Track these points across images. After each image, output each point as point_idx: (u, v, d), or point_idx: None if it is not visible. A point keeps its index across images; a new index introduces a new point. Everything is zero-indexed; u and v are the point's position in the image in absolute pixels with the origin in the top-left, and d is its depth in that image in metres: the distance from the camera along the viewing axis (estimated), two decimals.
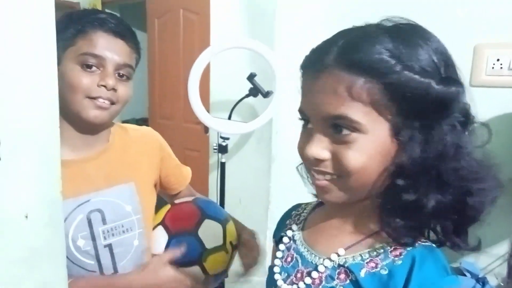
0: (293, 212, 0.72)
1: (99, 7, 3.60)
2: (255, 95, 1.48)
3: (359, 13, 1.52)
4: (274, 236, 0.73)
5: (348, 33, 0.52)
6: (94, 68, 0.81)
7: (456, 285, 0.49)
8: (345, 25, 0.54)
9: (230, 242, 0.92)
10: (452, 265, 1.46)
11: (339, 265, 0.55)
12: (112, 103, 0.84)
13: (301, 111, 0.55)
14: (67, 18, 0.84)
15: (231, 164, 1.72)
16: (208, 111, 1.73)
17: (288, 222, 0.70)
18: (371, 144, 0.49)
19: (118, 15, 3.64)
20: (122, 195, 0.90)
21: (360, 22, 0.53)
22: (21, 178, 0.51)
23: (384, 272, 0.51)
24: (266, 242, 1.17)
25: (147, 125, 2.93)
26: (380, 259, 0.52)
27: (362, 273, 0.52)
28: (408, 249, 0.51)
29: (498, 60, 1.32)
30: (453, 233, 0.51)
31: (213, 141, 1.67)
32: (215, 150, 1.56)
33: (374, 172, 0.50)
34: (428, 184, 0.48)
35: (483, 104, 1.45)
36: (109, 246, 0.87)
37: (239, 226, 1.01)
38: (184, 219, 0.92)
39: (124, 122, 3.92)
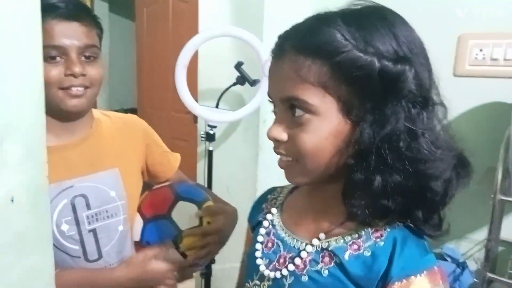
0: (269, 196, 0.71)
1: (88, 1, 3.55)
2: (242, 84, 1.48)
3: (346, 2, 1.53)
4: (249, 221, 0.73)
5: (308, 19, 0.53)
6: (58, 58, 0.79)
7: (436, 263, 0.50)
8: None
9: (208, 223, 0.90)
10: (434, 251, 1.50)
11: (323, 249, 0.55)
12: (86, 87, 0.83)
13: (268, 94, 0.57)
14: None
15: (219, 153, 1.73)
16: (196, 99, 1.74)
17: (264, 206, 0.69)
18: (324, 125, 0.50)
19: (107, 4, 3.61)
20: (106, 180, 0.90)
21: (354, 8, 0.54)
22: (7, 162, 0.51)
23: (368, 253, 0.51)
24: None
25: (136, 115, 2.92)
26: (362, 241, 0.52)
27: (346, 256, 0.52)
28: (389, 230, 0.52)
29: (481, 50, 1.35)
30: (422, 218, 0.51)
31: (201, 129, 1.68)
32: (203, 138, 1.57)
33: (329, 153, 0.51)
34: (376, 164, 0.48)
35: (466, 94, 1.49)
36: (94, 231, 0.88)
37: (219, 204, 0.99)
38: (158, 203, 0.91)
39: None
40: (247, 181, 1.71)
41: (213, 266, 1.61)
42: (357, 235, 0.53)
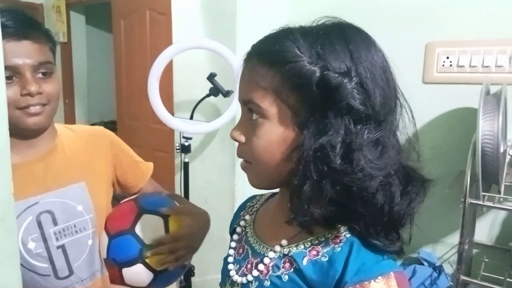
0: (248, 204, 0.73)
1: (63, 8, 3.53)
2: (215, 95, 1.49)
3: (316, 16, 1.55)
4: (230, 227, 0.74)
5: (274, 32, 0.55)
6: (13, 78, 0.78)
7: (392, 268, 0.50)
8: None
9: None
10: (410, 255, 1.51)
11: (284, 255, 0.56)
12: (44, 104, 0.81)
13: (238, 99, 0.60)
14: None
15: (196, 164, 1.73)
16: (172, 111, 1.74)
17: (242, 213, 0.71)
18: (273, 130, 0.53)
19: (84, 16, 3.58)
20: (72, 195, 0.88)
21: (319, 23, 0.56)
22: None
23: (325, 259, 0.52)
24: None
25: (116, 127, 2.90)
26: (321, 246, 0.53)
27: (304, 261, 0.54)
28: (348, 235, 0.52)
29: (447, 57, 1.38)
30: (370, 231, 0.51)
31: (177, 141, 1.68)
32: (178, 150, 1.56)
33: (277, 158, 0.53)
34: (308, 172, 0.49)
35: (435, 100, 1.52)
36: (62, 247, 0.86)
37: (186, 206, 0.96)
38: (121, 218, 0.88)
39: (93, 125, 3.84)
40: (225, 190, 1.70)
41: (193, 279, 1.60)
42: (317, 240, 0.54)
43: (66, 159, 0.90)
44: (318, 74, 0.49)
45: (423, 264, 1.43)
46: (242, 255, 0.63)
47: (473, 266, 1.41)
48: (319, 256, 0.53)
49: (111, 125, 3.47)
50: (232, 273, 0.63)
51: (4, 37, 0.76)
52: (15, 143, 0.83)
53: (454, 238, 1.45)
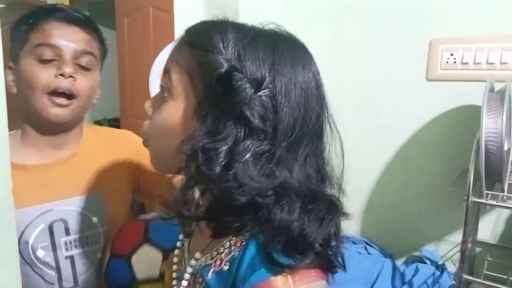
0: None
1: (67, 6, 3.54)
2: None
3: (319, 14, 1.55)
4: None
5: (215, 19, 0.55)
6: (52, 62, 0.76)
7: (261, 279, 0.46)
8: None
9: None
10: (413, 254, 1.51)
11: (197, 269, 0.54)
12: (72, 96, 0.78)
13: None
14: (21, 17, 0.81)
15: None
16: None
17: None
18: (174, 112, 0.51)
19: (87, 13, 3.60)
20: (88, 205, 0.84)
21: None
22: None
23: (226, 267, 0.50)
24: None
25: (119, 125, 2.90)
26: (225, 254, 0.51)
27: (210, 274, 0.51)
28: (247, 239, 0.49)
29: (451, 54, 1.37)
30: (267, 242, 0.47)
31: None
32: None
33: (171, 143, 0.51)
34: (189, 169, 0.48)
35: (439, 97, 1.51)
36: (71, 258, 0.83)
37: None
38: (124, 240, 0.84)
39: (96, 122, 3.86)
40: None
41: None
42: (222, 249, 0.51)
43: (86, 167, 0.86)
44: (223, 69, 0.47)
45: (425, 263, 1.43)
46: (181, 271, 0.61)
47: (476, 265, 1.40)
48: (222, 266, 0.50)
49: (114, 123, 3.49)
50: None
51: (56, 19, 0.77)
52: (38, 139, 0.82)
53: (457, 237, 1.44)
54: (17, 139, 0.84)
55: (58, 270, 0.82)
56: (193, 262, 0.55)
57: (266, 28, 0.54)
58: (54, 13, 0.78)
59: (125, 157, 0.93)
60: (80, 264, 0.84)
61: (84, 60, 0.80)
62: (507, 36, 1.29)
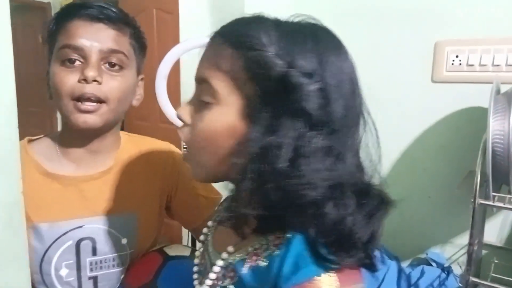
0: (218, 207, 0.70)
1: None
2: None
3: (324, 13, 1.55)
4: None
5: (247, 16, 0.53)
6: (77, 63, 0.70)
7: (307, 278, 0.45)
8: None
9: None
10: (419, 256, 1.50)
11: (229, 263, 0.54)
12: (99, 101, 0.72)
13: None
14: (50, 19, 0.76)
15: None
16: None
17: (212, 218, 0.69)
18: (221, 118, 0.49)
19: None
20: (120, 225, 0.80)
21: (325, 20, 0.55)
22: None
23: (264, 264, 0.49)
24: None
25: (123, 127, 2.91)
26: (262, 251, 0.51)
27: (245, 269, 0.51)
28: (288, 237, 0.49)
29: (457, 56, 1.37)
30: (316, 238, 0.47)
31: None
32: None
33: (220, 148, 0.50)
34: (252, 170, 0.47)
35: (445, 99, 1.51)
36: (94, 279, 0.79)
37: None
38: (136, 273, 0.81)
39: None
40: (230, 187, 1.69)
41: None
42: (258, 245, 0.51)
43: (122, 184, 0.82)
44: (281, 69, 0.46)
45: (431, 265, 1.42)
46: (204, 265, 0.61)
47: (482, 267, 1.39)
48: (259, 262, 0.50)
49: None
50: (195, 282, 0.61)
51: (80, 17, 0.70)
52: (75, 151, 0.77)
53: (463, 239, 1.43)
54: (55, 147, 0.80)
55: None
56: (224, 255, 0.54)
57: (298, 20, 0.53)
58: (79, 10, 0.71)
59: (163, 174, 0.86)
60: (102, 285, 0.80)
61: (112, 60, 0.72)
62: None
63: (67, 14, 0.72)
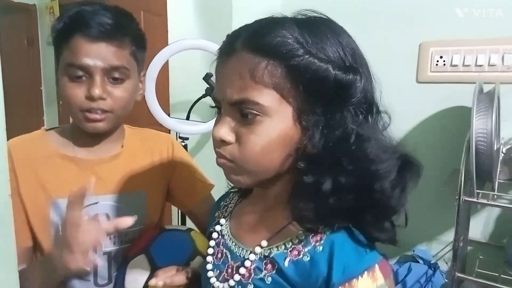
0: (222, 203, 0.71)
1: (56, 9, 3.52)
2: (211, 95, 1.49)
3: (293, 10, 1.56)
4: (206, 231, 0.72)
5: (260, 20, 0.53)
6: (83, 78, 0.75)
7: (375, 260, 0.50)
8: None
9: None
10: (405, 253, 1.53)
11: (265, 256, 0.55)
12: (107, 111, 0.78)
13: (213, 98, 0.56)
14: (52, 27, 0.79)
15: None
16: (168, 112, 1.74)
17: (217, 214, 0.69)
18: (274, 128, 0.50)
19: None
20: (131, 202, 0.86)
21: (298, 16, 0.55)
22: None
23: (307, 259, 0.51)
24: None
25: None
26: (302, 245, 0.52)
27: (286, 262, 0.52)
28: (328, 233, 0.51)
29: (441, 57, 1.40)
30: (370, 221, 0.51)
31: None
32: (181, 139, 1.56)
33: (276, 156, 0.51)
34: (327, 167, 0.48)
35: (429, 99, 1.54)
36: (108, 254, 0.84)
37: None
38: (135, 243, 0.84)
39: None
40: (221, 191, 1.70)
41: None
42: (297, 240, 0.53)
43: (130, 166, 0.88)
44: (332, 71, 0.48)
45: (418, 262, 1.44)
46: (221, 259, 0.61)
47: (468, 263, 1.42)
48: (300, 256, 0.51)
49: None
50: (213, 280, 0.60)
51: (82, 36, 0.74)
52: (85, 138, 0.83)
53: (449, 236, 1.46)
54: (68, 136, 0.87)
55: (94, 265, 0.80)
56: (258, 249, 0.55)
57: (306, 16, 0.53)
58: (80, 27, 0.74)
59: (163, 159, 0.94)
60: (115, 261, 0.85)
61: (115, 75, 0.78)
62: (495, 39, 1.32)
63: (71, 29, 0.75)
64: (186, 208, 0.99)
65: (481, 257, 1.36)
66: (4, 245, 0.58)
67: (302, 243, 0.52)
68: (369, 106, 0.51)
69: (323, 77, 0.48)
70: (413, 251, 1.48)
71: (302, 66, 0.48)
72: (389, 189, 0.49)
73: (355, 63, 0.50)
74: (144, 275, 0.75)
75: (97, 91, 0.75)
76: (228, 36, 0.54)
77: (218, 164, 0.55)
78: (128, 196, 0.86)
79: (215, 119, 0.56)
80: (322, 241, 0.51)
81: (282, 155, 0.51)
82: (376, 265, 0.49)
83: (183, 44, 1.39)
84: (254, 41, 0.49)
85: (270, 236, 0.56)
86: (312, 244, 0.52)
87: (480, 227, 1.44)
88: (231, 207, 0.68)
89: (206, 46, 1.40)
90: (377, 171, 0.48)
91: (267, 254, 0.55)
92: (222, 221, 0.65)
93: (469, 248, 1.45)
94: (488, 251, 1.40)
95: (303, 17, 0.52)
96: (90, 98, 0.75)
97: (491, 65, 1.34)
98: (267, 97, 0.49)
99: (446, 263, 1.46)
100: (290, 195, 0.53)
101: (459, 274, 1.23)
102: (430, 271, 1.42)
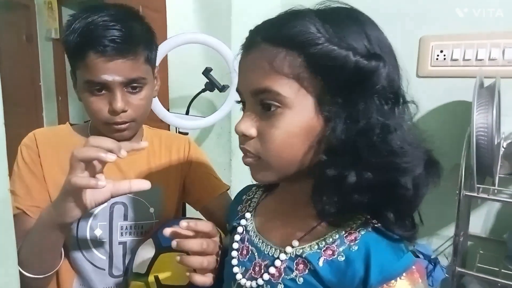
0: (244, 197, 0.70)
1: (55, 5, 3.50)
2: (211, 90, 1.49)
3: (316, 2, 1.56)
4: (226, 221, 0.71)
5: (280, 14, 0.52)
6: (103, 91, 0.78)
7: (413, 261, 0.49)
8: None
9: (156, 278, 0.76)
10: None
11: (297, 256, 0.53)
12: (129, 122, 0.82)
13: (237, 90, 0.55)
14: (64, 40, 0.80)
15: None
16: (168, 107, 1.73)
17: (239, 208, 0.68)
18: (296, 120, 0.49)
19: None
20: (148, 195, 0.87)
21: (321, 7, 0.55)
22: None
23: (342, 258, 0.50)
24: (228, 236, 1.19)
25: None
26: (336, 245, 0.51)
27: (320, 262, 0.51)
28: (363, 233, 0.50)
29: (441, 51, 1.39)
30: (392, 218, 0.49)
31: None
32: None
33: (298, 149, 0.50)
34: (350, 160, 0.47)
35: (429, 94, 1.53)
36: (124, 244, 0.86)
37: None
38: (152, 230, 0.87)
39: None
40: None
41: None
42: (331, 239, 0.52)
43: (148, 161, 0.92)
44: (352, 58, 0.46)
45: (418, 257, 1.44)
46: (247, 256, 0.60)
47: (468, 258, 1.42)
48: (335, 256, 0.50)
49: None
50: (239, 276, 0.59)
51: (96, 52, 0.75)
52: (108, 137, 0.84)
53: (449, 231, 1.46)
54: (88, 133, 0.90)
55: (110, 254, 0.84)
56: (289, 249, 0.54)
57: (329, 6, 0.52)
58: (93, 44, 0.75)
59: (180, 157, 0.97)
60: (130, 252, 0.86)
61: (133, 84, 0.81)
62: (496, 33, 1.32)
63: (85, 46, 0.76)
64: (202, 203, 0.99)
65: (481, 252, 1.36)
66: (4, 242, 0.58)
67: (336, 243, 0.51)
68: (396, 96, 0.49)
69: (343, 64, 0.46)
70: (413, 246, 1.48)
71: (322, 54, 0.47)
72: (414, 185, 0.48)
73: (380, 52, 0.48)
74: (150, 254, 0.77)
75: (119, 105, 0.78)
76: (250, 31, 0.54)
77: (245, 163, 0.55)
78: (146, 190, 0.86)
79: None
80: (357, 241, 0.50)
81: (304, 148, 0.50)
82: (414, 267, 0.49)
83: (182, 38, 1.38)
84: (273, 32, 0.50)
85: (301, 235, 0.54)
86: (347, 243, 0.50)
87: (480, 221, 1.44)
88: (255, 202, 0.66)
89: (205, 40, 1.39)
90: (402, 165, 0.46)
91: (299, 254, 0.53)
92: (248, 215, 0.64)
93: (469, 243, 1.45)
94: (488, 246, 1.40)
95: (325, 7, 0.52)
96: (113, 112, 0.79)
97: (491, 59, 1.34)
98: (287, 87, 0.48)
99: (447, 258, 1.46)
100: (313, 189, 0.52)
101: (459, 269, 1.23)
102: (431, 266, 1.42)
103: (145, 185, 0.70)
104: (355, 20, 0.50)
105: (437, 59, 1.40)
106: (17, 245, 0.59)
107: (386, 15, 1.46)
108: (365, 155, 0.46)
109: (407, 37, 1.44)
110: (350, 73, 0.47)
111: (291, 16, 0.50)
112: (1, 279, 0.57)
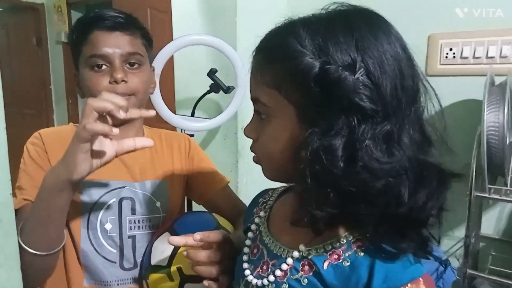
0: (260, 200, 0.71)
1: (64, 8, 3.54)
2: (216, 91, 1.48)
3: (317, 7, 1.54)
4: (243, 223, 0.73)
5: (276, 26, 0.54)
6: (104, 67, 0.83)
7: (420, 273, 0.48)
8: None
9: (179, 269, 0.78)
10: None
11: (303, 257, 0.54)
12: (129, 95, 0.85)
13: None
14: (71, 30, 0.89)
15: None
16: (174, 109, 1.73)
17: (255, 210, 0.69)
18: (280, 128, 0.52)
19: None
20: (154, 190, 0.92)
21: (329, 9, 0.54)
22: None
23: (347, 264, 0.50)
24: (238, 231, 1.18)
25: None
26: (342, 250, 0.51)
27: (325, 266, 0.51)
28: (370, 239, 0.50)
29: (451, 49, 1.37)
30: (375, 234, 0.48)
31: None
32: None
33: (284, 156, 0.52)
34: (310, 174, 0.47)
35: (439, 93, 1.50)
36: (133, 238, 0.88)
37: None
38: (163, 225, 0.90)
39: None
40: None
41: None
42: (338, 243, 0.52)
43: (152, 157, 0.96)
44: (317, 68, 0.46)
45: (428, 259, 1.42)
46: (257, 255, 0.61)
47: (480, 259, 1.40)
48: (340, 261, 0.51)
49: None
50: (247, 272, 0.61)
51: (99, 29, 0.84)
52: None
53: (460, 232, 1.43)
54: None
55: (120, 248, 0.87)
56: (296, 253, 0.54)
57: (330, 10, 0.51)
58: (97, 22, 0.84)
59: (182, 153, 1.01)
60: (139, 246, 0.89)
61: (132, 61, 0.86)
62: (507, 30, 1.29)
63: (87, 26, 0.85)
64: (207, 197, 1.02)
65: (493, 253, 1.34)
66: (6, 244, 0.58)
67: (343, 247, 0.51)
68: (374, 110, 0.46)
69: (309, 75, 0.47)
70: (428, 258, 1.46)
71: (294, 66, 0.48)
72: (387, 202, 0.46)
73: (372, 64, 0.46)
74: (168, 250, 0.80)
75: (119, 75, 0.82)
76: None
77: (254, 161, 0.59)
78: (151, 184, 0.92)
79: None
80: (364, 247, 0.50)
81: (288, 155, 0.51)
82: (421, 278, 0.48)
83: (188, 39, 1.38)
84: (262, 44, 0.54)
85: (310, 238, 0.54)
86: (353, 249, 0.51)
87: (492, 222, 1.41)
88: (270, 204, 0.68)
89: (210, 41, 1.38)
90: (366, 187, 0.45)
91: (305, 255, 0.54)
92: (262, 214, 0.66)
93: (481, 244, 1.42)
94: (501, 247, 1.37)
95: (319, 15, 0.51)
96: (114, 81, 0.82)
97: (502, 57, 1.31)
98: (269, 97, 0.52)
99: (458, 259, 1.44)
100: (301, 196, 0.52)
101: (471, 271, 1.21)
102: (441, 268, 1.39)
103: (149, 142, 0.74)
104: (347, 27, 0.48)
105: (446, 57, 1.38)
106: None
107: (393, 12, 1.44)
108: (318, 171, 0.46)
109: (416, 35, 1.40)
110: (316, 83, 0.46)
111: (280, 29, 0.53)
112: (3, 281, 0.57)
